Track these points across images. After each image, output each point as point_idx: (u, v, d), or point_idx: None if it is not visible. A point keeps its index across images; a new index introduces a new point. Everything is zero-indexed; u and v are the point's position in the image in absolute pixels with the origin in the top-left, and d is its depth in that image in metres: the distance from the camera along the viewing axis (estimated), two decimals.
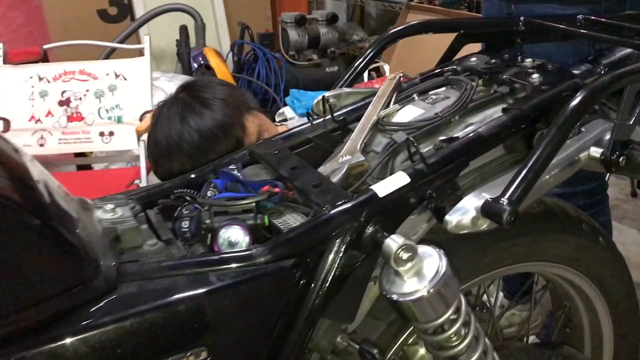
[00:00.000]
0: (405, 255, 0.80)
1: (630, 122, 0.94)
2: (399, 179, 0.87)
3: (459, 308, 0.85)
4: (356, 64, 1.23)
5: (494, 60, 1.12)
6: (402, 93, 1.12)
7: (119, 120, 2.70)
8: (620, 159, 0.94)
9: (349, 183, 0.93)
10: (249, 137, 1.28)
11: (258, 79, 4.05)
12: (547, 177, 0.94)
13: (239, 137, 1.26)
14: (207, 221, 0.88)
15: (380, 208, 0.85)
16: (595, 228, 1.19)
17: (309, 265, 0.81)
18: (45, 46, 2.87)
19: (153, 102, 3.07)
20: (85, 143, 2.74)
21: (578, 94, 0.88)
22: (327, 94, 1.14)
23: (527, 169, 0.84)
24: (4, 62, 2.81)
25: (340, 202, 0.83)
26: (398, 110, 1.06)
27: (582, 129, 0.98)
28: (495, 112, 1.01)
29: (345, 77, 1.23)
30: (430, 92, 1.10)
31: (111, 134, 2.70)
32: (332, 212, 0.82)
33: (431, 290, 0.81)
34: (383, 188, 0.85)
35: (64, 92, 2.81)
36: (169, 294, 0.73)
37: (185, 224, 0.91)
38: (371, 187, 0.86)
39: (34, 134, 2.79)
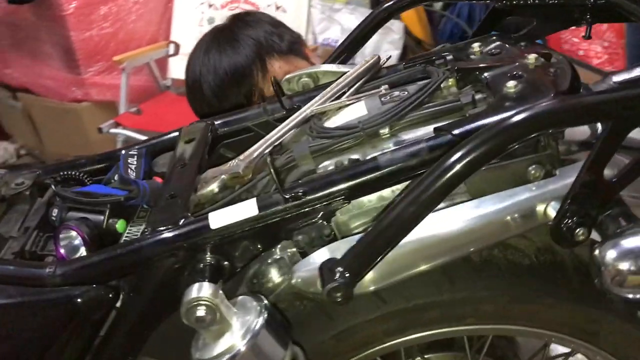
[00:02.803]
0: (201, 312, 0.63)
1: (613, 173, 0.60)
2: (245, 209, 0.67)
3: None
4: (354, 34, 0.99)
5: (496, 50, 0.81)
6: (373, 82, 0.88)
7: None
8: (578, 231, 0.61)
9: (222, 198, 0.76)
10: (269, 83, 1.19)
11: (458, 16, 3.67)
12: (479, 229, 0.67)
13: (254, 83, 1.20)
14: (63, 215, 0.79)
15: (212, 242, 0.67)
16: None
17: (108, 296, 0.68)
18: None
19: (318, 38, 3.01)
20: None
21: (475, 136, 0.58)
22: (292, 74, 0.95)
23: (374, 233, 0.58)
24: None
25: (161, 228, 0.68)
26: (346, 106, 0.83)
27: (556, 172, 0.66)
28: None
29: (338, 51, 1.00)
30: (398, 87, 0.84)
31: None
32: (144, 238, 0.68)
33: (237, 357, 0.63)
34: (220, 218, 0.67)
35: None
36: None
37: (55, 212, 0.83)
38: (209, 214, 0.68)
39: None
